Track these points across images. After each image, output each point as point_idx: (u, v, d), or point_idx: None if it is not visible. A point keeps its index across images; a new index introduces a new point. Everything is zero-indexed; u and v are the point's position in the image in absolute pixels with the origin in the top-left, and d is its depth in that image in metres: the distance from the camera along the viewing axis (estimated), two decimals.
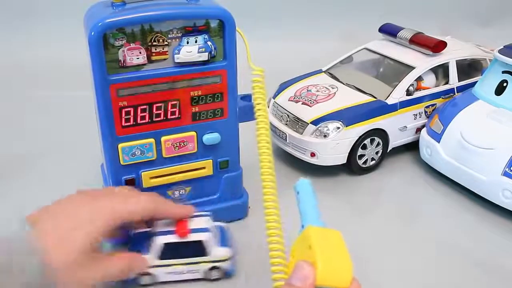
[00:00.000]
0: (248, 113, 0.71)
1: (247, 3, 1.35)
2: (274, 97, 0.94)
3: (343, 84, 0.93)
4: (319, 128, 0.84)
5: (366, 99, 0.88)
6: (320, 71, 0.99)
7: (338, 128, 0.84)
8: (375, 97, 0.89)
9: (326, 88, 0.92)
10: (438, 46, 0.92)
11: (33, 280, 0.49)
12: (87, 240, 0.53)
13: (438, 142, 0.85)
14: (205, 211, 0.67)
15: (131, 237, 0.65)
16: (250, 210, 0.79)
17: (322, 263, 0.43)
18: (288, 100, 0.91)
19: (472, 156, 0.80)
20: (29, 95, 1.19)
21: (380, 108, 0.87)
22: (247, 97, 0.73)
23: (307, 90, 0.92)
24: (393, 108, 0.88)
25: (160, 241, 0.62)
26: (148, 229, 0.65)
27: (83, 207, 0.57)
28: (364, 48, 1.01)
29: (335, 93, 0.90)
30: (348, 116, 0.84)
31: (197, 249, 0.63)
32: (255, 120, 0.62)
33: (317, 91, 0.91)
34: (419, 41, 0.94)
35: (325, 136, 0.84)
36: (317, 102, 0.88)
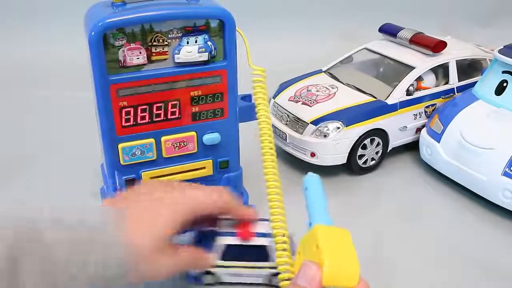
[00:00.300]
0: (248, 113, 0.71)
1: (247, 3, 1.35)
2: (274, 97, 0.94)
3: (343, 84, 0.93)
4: (319, 128, 0.84)
5: (366, 99, 0.88)
6: (320, 71, 0.99)
7: (338, 128, 0.84)
8: (375, 97, 0.89)
9: (326, 88, 0.92)
10: (438, 46, 0.92)
11: (115, 265, 0.49)
12: (168, 227, 0.53)
13: (438, 142, 0.85)
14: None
15: (195, 235, 0.64)
16: None
17: (329, 264, 0.43)
18: (288, 100, 0.91)
19: (472, 156, 0.80)
20: (29, 95, 1.19)
21: (380, 108, 0.87)
22: (247, 97, 0.73)
23: (307, 90, 0.92)
24: (393, 108, 0.88)
25: (224, 241, 0.61)
26: (211, 228, 0.63)
27: (164, 195, 0.56)
28: (364, 48, 1.01)
29: (335, 93, 0.90)
30: (348, 116, 0.84)
31: (259, 253, 0.62)
32: (255, 120, 0.62)
33: (317, 91, 0.91)
34: (419, 41, 0.94)
35: (325, 136, 0.84)
36: (317, 102, 0.88)
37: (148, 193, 0.56)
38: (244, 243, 0.61)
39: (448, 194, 0.85)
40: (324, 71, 0.99)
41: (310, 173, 0.53)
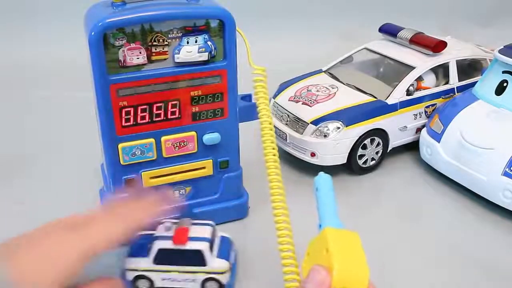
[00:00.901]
0: (248, 113, 0.71)
1: (247, 3, 1.35)
2: (274, 97, 0.94)
3: (343, 84, 0.93)
4: (319, 128, 0.84)
5: (366, 99, 0.88)
6: (320, 71, 0.99)
7: (338, 128, 0.84)
8: (375, 97, 0.89)
9: (326, 88, 0.92)
10: (438, 46, 0.92)
11: None
12: (61, 275, 0.51)
13: (438, 142, 0.85)
14: (210, 221, 0.66)
15: (131, 239, 0.64)
16: (250, 210, 0.79)
17: (338, 269, 0.43)
18: (288, 100, 0.91)
19: (472, 156, 0.80)
20: (29, 95, 1.19)
21: (380, 108, 0.87)
22: (247, 97, 0.73)
23: (307, 90, 0.92)
24: (393, 108, 0.88)
25: (157, 246, 0.62)
26: (150, 232, 0.64)
27: (58, 241, 0.53)
28: (364, 48, 1.01)
29: (335, 93, 0.90)
30: (348, 116, 0.84)
31: (194, 258, 0.62)
32: (255, 120, 0.62)
33: (317, 91, 0.91)
34: (419, 41, 0.94)
35: (325, 136, 0.84)
36: (317, 102, 0.88)
37: (44, 239, 0.53)
38: (177, 247, 0.61)
39: (448, 194, 0.85)
40: (324, 71, 0.99)
41: (321, 173, 0.52)
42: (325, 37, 1.43)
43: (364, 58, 1.02)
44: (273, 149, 0.59)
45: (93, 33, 0.59)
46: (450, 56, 0.94)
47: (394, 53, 0.96)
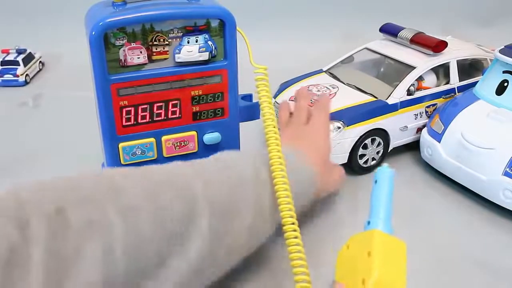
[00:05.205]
0: (248, 113, 0.71)
1: (247, 3, 1.35)
2: (275, 96, 0.94)
3: (344, 84, 0.93)
4: None
5: (366, 99, 0.88)
6: (320, 71, 0.99)
7: (339, 127, 0.83)
8: (376, 97, 0.89)
9: (327, 88, 0.92)
10: (439, 46, 0.92)
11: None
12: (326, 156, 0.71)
13: (439, 142, 0.85)
14: None
15: None
16: None
17: (377, 279, 0.41)
18: (289, 100, 0.90)
19: (472, 156, 0.80)
20: (29, 95, 1.19)
21: (381, 108, 0.87)
22: (247, 97, 0.73)
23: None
24: (393, 108, 0.88)
25: None
26: None
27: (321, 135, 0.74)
28: (364, 48, 1.01)
29: (335, 93, 0.90)
30: (349, 116, 0.84)
31: None
32: (256, 119, 0.62)
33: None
34: (420, 41, 0.94)
35: None
36: None
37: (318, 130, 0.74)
38: None
39: (449, 194, 0.85)
40: (325, 71, 0.99)
41: (384, 165, 0.49)
42: (325, 37, 1.43)
43: (365, 58, 1.02)
44: (277, 145, 0.59)
45: (93, 33, 0.59)
46: (451, 56, 0.94)
47: (394, 53, 0.96)
